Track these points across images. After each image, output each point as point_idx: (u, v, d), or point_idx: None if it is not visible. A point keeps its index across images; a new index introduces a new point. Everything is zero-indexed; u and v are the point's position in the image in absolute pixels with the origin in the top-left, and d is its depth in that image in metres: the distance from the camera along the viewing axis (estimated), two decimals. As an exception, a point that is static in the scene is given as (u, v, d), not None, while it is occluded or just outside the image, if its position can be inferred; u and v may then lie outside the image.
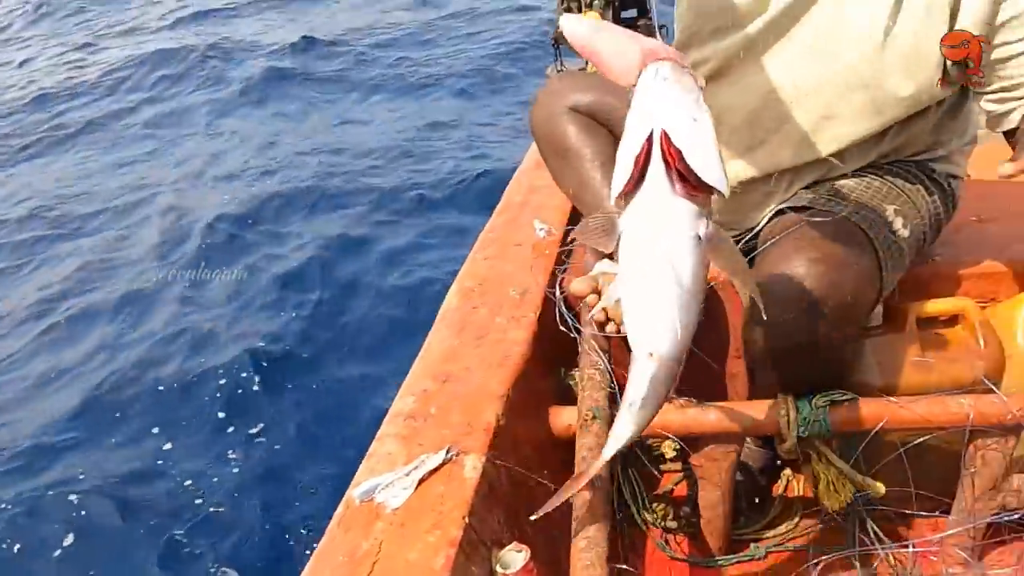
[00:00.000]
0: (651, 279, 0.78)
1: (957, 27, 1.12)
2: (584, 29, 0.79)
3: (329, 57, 6.35)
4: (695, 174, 0.74)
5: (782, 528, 1.37)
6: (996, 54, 1.12)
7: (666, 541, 1.34)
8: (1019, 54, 1.09)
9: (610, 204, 1.45)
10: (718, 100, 1.27)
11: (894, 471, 1.19)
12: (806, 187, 1.27)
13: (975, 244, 1.43)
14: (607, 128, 1.50)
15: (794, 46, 1.21)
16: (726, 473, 1.22)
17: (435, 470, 0.97)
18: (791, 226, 1.17)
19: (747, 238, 1.31)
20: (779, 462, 1.43)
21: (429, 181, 4.05)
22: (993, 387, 1.12)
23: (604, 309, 1.19)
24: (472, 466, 0.98)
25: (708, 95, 1.26)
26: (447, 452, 0.99)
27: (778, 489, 1.44)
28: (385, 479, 0.96)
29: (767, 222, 1.27)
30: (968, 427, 1.09)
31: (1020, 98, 1.11)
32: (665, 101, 0.76)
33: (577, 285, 1.20)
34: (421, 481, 0.96)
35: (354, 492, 0.95)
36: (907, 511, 1.25)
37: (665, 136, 0.75)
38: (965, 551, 1.21)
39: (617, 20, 2.78)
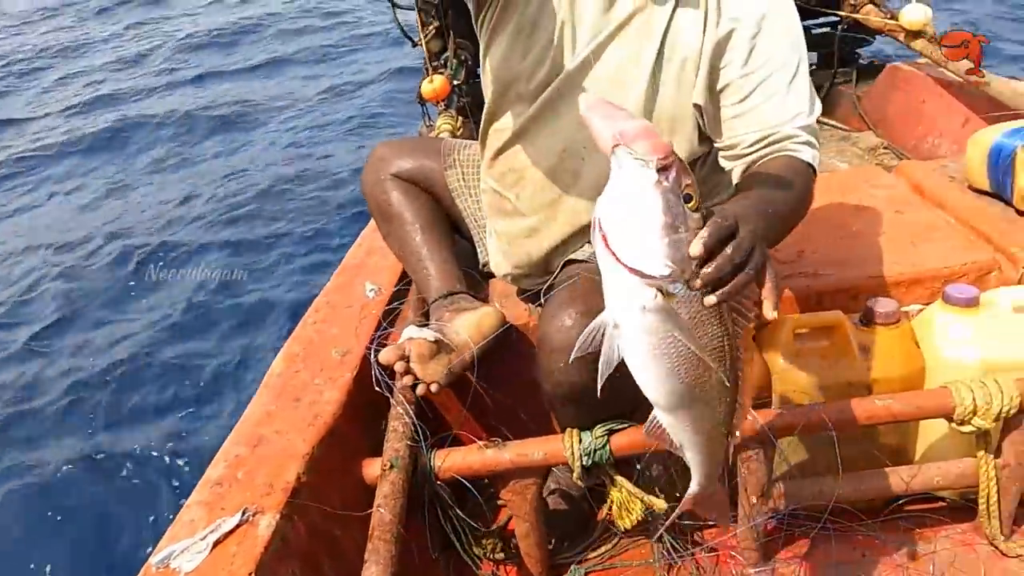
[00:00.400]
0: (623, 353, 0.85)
1: (695, 99, 1.29)
2: (581, 108, 0.85)
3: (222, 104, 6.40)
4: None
5: (602, 549, 1.49)
6: (722, 115, 1.28)
7: (494, 573, 1.44)
8: (732, 117, 1.25)
9: (430, 266, 1.58)
10: (520, 160, 1.41)
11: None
12: (574, 245, 1.42)
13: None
14: (428, 192, 1.63)
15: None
16: (531, 504, 1.33)
17: (230, 532, 1.05)
18: (572, 277, 1.31)
19: (544, 288, 1.45)
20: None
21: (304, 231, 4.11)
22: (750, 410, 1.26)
23: (411, 371, 1.31)
24: (266, 524, 1.07)
25: (512, 156, 1.41)
26: (243, 514, 1.07)
27: (603, 512, 1.56)
28: (181, 545, 1.03)
29: (558, 272, 1.41)
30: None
31: (736, 157, 1.26)
32: (609, 186, 0.80)
33: (384, 355, 1.31)
34: (217, 544, 1.04)
35: (152, 559, 1.03)
36: (701, 522, 1.39)
37: (599, 224, 0.79)
38: (754, 551, 1.35)
39: (470, 79, 2.96)
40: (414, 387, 1.33)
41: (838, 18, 3.23)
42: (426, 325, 1.40)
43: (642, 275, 0.78)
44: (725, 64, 1.25)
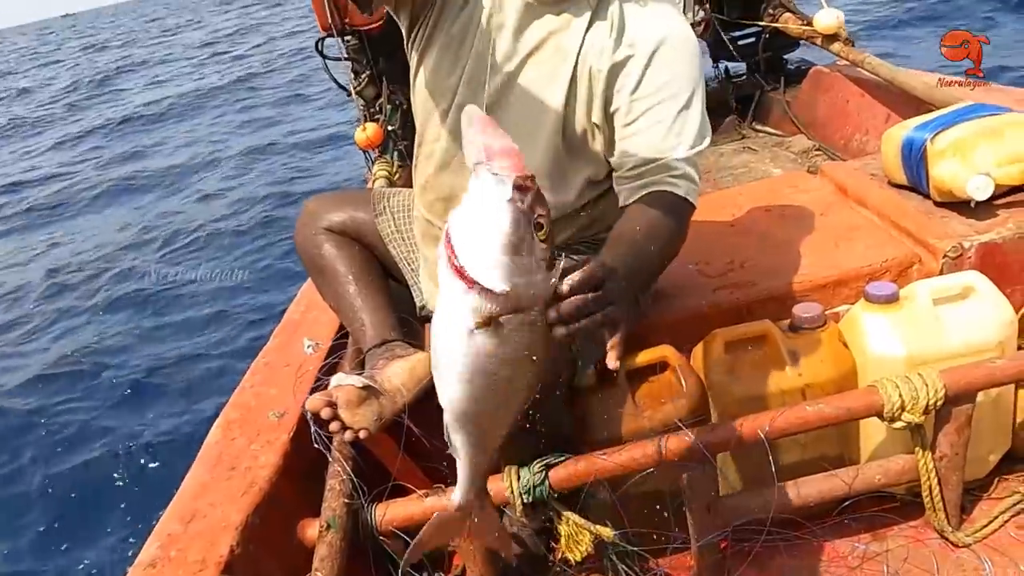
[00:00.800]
0: (435, 357, 0.83)
1: (593, 117, 1.32)
2: (463, 121, 0.83)
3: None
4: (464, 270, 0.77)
5: (560, 584, 1.47)
6: (613, 137, 1.31)
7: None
8: (619, 140, 1.29)
9: (364, 316, 1.57)
10: (448, 187, 1.43)
11: (649, 512, 1.33)
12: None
13: (686, 292, 1.62)
14: (360, 243, 1.63)
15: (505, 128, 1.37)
16: (481, 548, 1.31)
17: (161, 614, 1.03)
18: None
19: None
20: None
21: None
22: (681, 425, 1.26)
23: (340, 420, 1.30)
24: (199, 603, 1.04)
25: (441, 183, 1.43)
26: (174, 594, 1.05)
27: (559, 550, 1.55)
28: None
29: None
30: (668, 464, 1.24)
31: (620, 179, 1.31)
32: (465, 199, 0.81)
33: (310, 402, 1.30)
34: (148, 629, 1.01)
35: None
36: (657, 546, 1.38)
37: (447, 234, 0.80)
38: (709, 571, 1.34)
39: (405, 123, 2.98)
40: (355, 442, 1.31)
41: (760, 27, 3.32)
42: (358, 373, 1.40)
43: (482, 288, 0.77)
44: (619, 88, 1.29)
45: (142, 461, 2.80)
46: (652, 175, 1.25)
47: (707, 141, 1.30)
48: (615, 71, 1.29)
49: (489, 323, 0.78)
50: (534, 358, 0.82)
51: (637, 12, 1.31)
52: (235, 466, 1.32)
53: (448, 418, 0.87)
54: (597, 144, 1.35)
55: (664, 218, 1.23)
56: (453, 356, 0.81)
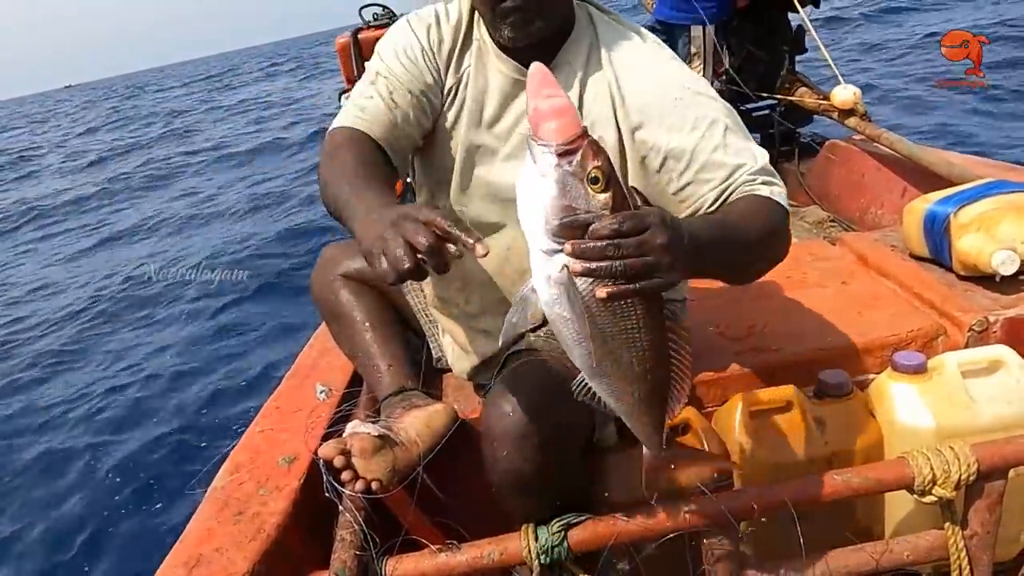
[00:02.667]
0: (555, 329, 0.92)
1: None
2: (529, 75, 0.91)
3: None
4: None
5: (573, 653, 1.41)
6: (671, 188, 1.24)
7: None
8: (687, 184, 1.21)
9: (380, 363, 1.55)
10: (464, 268, 1.41)
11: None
12: (535, 328, 1.41)
13: (707, 354, 1.60)
14: (377, 290, 1.62)
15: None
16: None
17: (162, 665, 0.98)
18: (513, 367, 1.30)
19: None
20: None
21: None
22: (705, 491, 1.23)
23: (353, 469, 1.26)
24: (201, 654, 0.99)
25: (456, 267, 1.39)
26: (176, 644, 1.00)
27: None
28: None
29: (501, 364, 1.39)
30: (691, 529, 1.20)
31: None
32: (524, 166, 0.87)
33: (324, 449, 1.26)
34: None
35: None
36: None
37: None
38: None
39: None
40: (367, 492, 1.27)
41: (776, 101, 3.38)
42: (374, 421, 1.36)
43: (539, 249, 0.85)
44: (651, 148, 1.24)
45: (144, 501, 2.73)
46: (735, 195, 1.17)
47: (765, 153, 1.22)
48: (630, 128, 1.25)
49: (568, 277, 0.84)
50: (628, 300, 0.86)
51: (628, 65, 1.27)
52: (242, 511, 1.28)
53: (588, 379, 0.94)
54: None
55: (751, 208, 1.13)
56: (560, 319, 0.88)
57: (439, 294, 1.49)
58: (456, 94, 1.33)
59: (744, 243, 1.09)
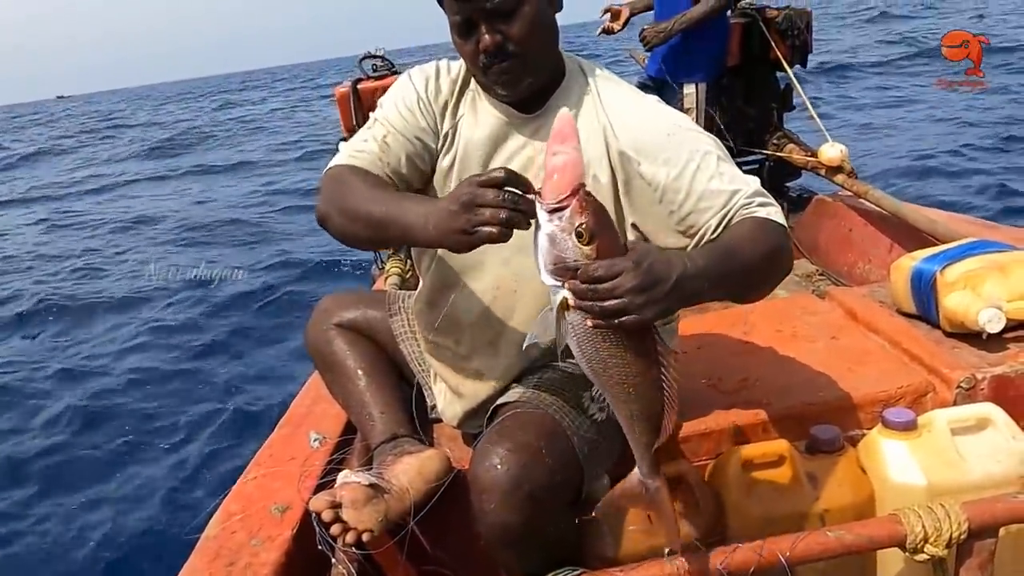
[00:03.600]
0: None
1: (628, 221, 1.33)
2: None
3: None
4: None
5: None
6: (674, 219, 1.28)
7: None
8: (688, 214, 1.25)
9: (373, 411, 1.55)
10: (454, 308, 1.43)
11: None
12: (519, 379, 1.42)
13: (700, 406, 1.61)
14: (372, 340, 1.63)
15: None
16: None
17: None
18: (501, 419, 1.31)
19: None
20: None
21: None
22: (700, 545, 1.23)
23: (343, 521, 1.25)
24: None
25: (446, 306, 1.43)
26: None
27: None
28: None
29: (490, 415, 1.40)
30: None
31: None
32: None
33: (315, 502, 1.26)
34: None
35: None
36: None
37: None
38: None
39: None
40: (358, 543, 1.27)
41: (765, 156, 3.46)
42: (366, 470, 1.36)
43: (545, 283, 1.01)
44: (645, 184, 1.28)
45: (132, 552, 2.68)
46: (735, 211, 1.22)
47: (755, 179, 1.28)
48: (624, 167, 1.29)
49: (566, 308, 1.00)
50: (604, 337, 1.01)
51: (620, 108, 1.32)
52: (234, 562, 1.27)
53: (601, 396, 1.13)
54: None
55: (755, 232, 1.18)
56: (564, 333, 1.03)
57: (431, 338, 1.51)
58: (451, 139, 1.38)
59: (746, 265, 1.15)
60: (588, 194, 0.98)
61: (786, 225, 1.24)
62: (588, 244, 0.97)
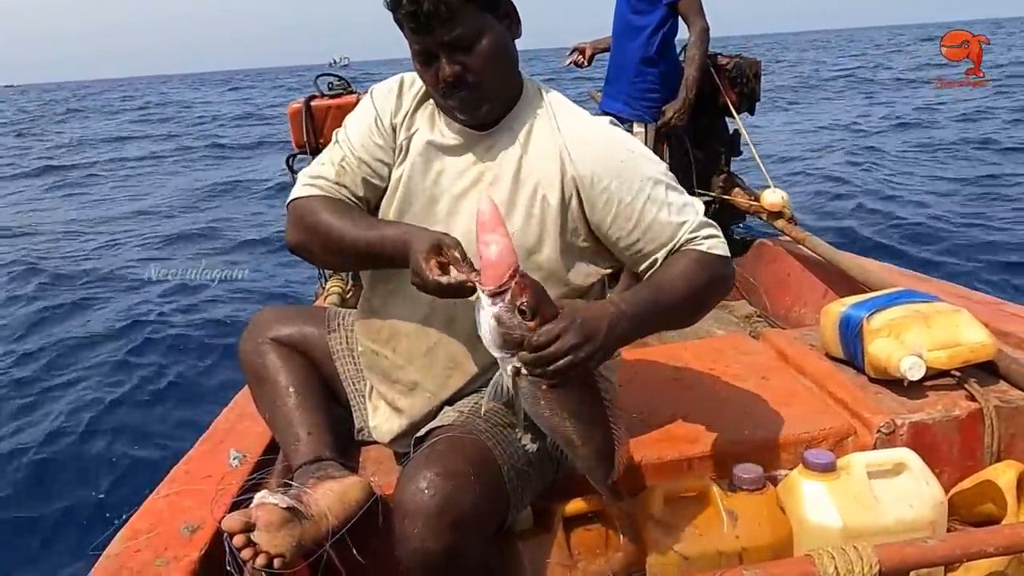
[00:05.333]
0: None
1: (566, 240, 1.36)
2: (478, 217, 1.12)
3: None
4: None
5: None
6: (622, 244, 1.34)
7: None
8: (636, 241, 1.32)
9: (300, 431, 1.51)
10: (393, 314, 1.43)
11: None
12: (451, 400, 1.41)
13: (630, 439, 1.61)
14: (306, 356, 1.60)
15: None
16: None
17: None
18: (432, 442, 1.29)
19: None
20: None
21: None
22: (616, 579, 1.22)
23: (254, 546, 1.21)
24: None
25: (386, 312, 1.45)
26: None
27: None
28: None
29: (421, 437, 1.38)
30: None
31: (650, 267, 1.34)
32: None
33: (227, 521, 1.21)
34: None
35: None
36: None
37: None
38: None
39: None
40: (268, 565, 1.22)
41: (711, 198, 3.54)
42: (285, 491, 1.32)
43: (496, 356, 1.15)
44: (597, 203, 1.32)
45: (25, 562, 2.53)
46: (681, 244, 1.31)
47: (701, 206, 1.37)
48: (582, 189, 1.32)
49: (518, 375, 1.14)
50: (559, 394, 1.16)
51: (578, 131, 1.35)
52: (135, 582, 1.21)
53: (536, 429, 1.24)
54: (561, 267, 1.36)
55: (695, 267, 1.29)
56: (519, 396, 1.17)
57: (369, 344, 1.50)
58: (405, 152, 1.40)
59: (679, 302, 1.28)
60: (523, 275, 1.11)
61: (727, 255, 1.34)
62: (532, 319, 1.10)
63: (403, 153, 1.40)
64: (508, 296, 1.09)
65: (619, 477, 1.24)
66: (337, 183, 1.40)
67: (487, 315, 1.11)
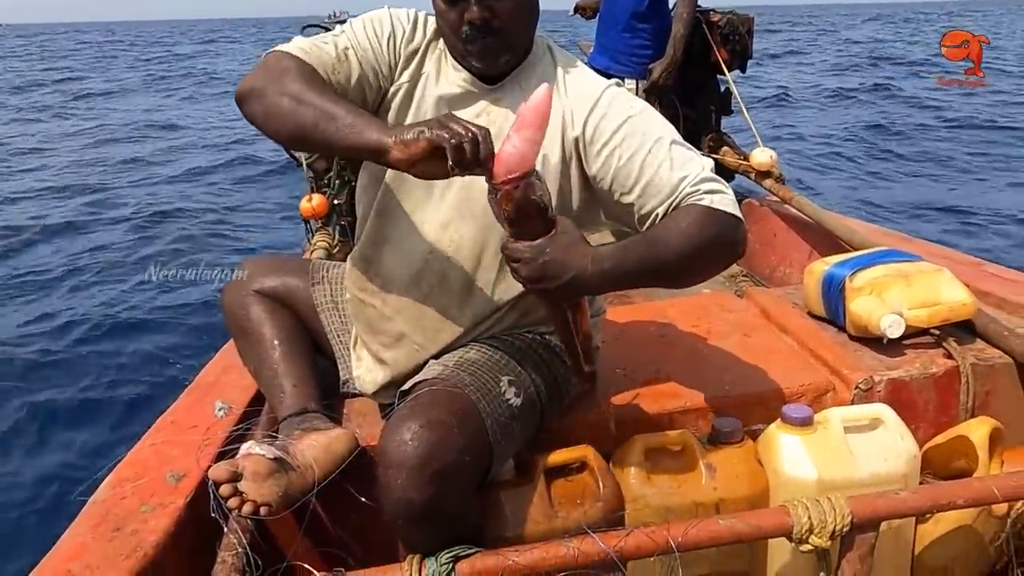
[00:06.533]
0: None
1: (573, 195, 1.36)
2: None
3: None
4: None
5: None
6: (623, 200, 1.30)
7: None
8: (638, 197, 1.27)
9: (285, 383, 1.52)
10: (386, 264, 1.43)
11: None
12: (438, 355, 1.42)
13: (612, 395, 1.63)
14: (290, 309, 1.60)
15: (446, 206, 1.38)
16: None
17: None
18: (416, 395, 1.30)
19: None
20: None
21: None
22: (588, 531, 1.23)
23: (241, 495, 1.22)
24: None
25: (379, 261, 1.44)
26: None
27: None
28: None
29: (407, 390, 1.39)
30: (578, 567, 1.21)
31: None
32: None
33: (215, 471, 1.22)
34: None
35: None
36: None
37: None
38: None
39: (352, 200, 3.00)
40: (255, 513, 1.24)
41: (700, 157, 3.52)
42: (271, 442, 1.33)
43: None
44: (600, 161, 1.30)
45: (14, 510, 2.56)
46: (682, 199, 1.24)
47: (709, 162, 1.29)
48: (582, 149, 1.32)
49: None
50: None
51: (582, 89, 1.35)
52: (120, 527, 1.23)
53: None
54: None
55: (690, 222, 1.21)
56: None
57: (357, 292, 1.50)
58: (408, 92, 1.37)
59: (675, 255, 1.21)
60: (528, 184, 1.10)
61: (733, 212, 1.24)
62: (510, 227, 1.15)
63: (404, 94, 1.36)
64: (498, 197, 1.11)
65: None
66: (334, 66, 1.30)
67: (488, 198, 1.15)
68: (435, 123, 1.09)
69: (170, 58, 30.63)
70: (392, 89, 1.38)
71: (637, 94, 3.17)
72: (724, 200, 1.24)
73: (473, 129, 1.08)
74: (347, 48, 1.32)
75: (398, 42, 1.36)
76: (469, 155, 1.07)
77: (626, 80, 3.20)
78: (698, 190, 1.23)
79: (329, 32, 1.39)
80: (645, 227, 1.29)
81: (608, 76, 3.22)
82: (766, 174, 3.04)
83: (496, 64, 1.32)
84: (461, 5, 1.25)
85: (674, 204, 1.24)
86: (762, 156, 3.03)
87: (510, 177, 1.09)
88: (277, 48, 1.32)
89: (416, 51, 1.38)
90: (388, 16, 1.38)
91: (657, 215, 1.26)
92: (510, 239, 1.17)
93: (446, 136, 1.07)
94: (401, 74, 1.38)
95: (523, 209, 1.12)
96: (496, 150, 1.10)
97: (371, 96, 1.37)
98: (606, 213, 1.40)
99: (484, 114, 1.36)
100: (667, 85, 3.20)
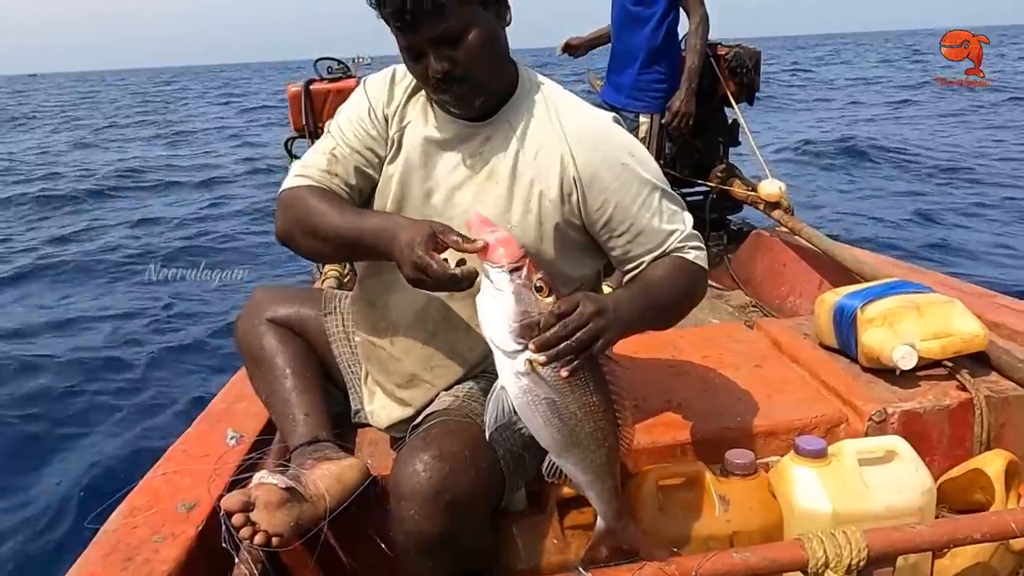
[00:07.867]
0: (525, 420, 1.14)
1: (556, 220, 1.35)
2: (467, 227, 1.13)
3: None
4: None
5: None
6: (612, 244, 1.37)
7: None
8: (627, 243, 1.35)
9: (297, 412, 1.52)
10: (391, 306, 1.43)
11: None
12: (451, 387, 1.42)
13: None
14: (303, 338, 1.60)
15: None
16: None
17: None
18: (428, 426, 1.30)
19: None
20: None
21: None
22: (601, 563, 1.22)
23: (253, 525, 1.22)
24: None
25: (384, 305, 1.45)
26: None
27: None
28: None
29: (420, 421, 1.39)
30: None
31: (634, 269, 1.38)
32: (482, 287, 1.12)
33: (227, 500, 1.22)
34: None
35: None
36: None
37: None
38: None
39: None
40: (267, 544, 1.24)
41: (709, 188, 3.54)
42: (283, 471, 1.33)
43: (504, 352, 1.07)
44: (593, 202, 1.33)
45: (25, 537, 2.54)
46: (669, 252, 1.35)
47: (690, 217, 1.41)
48: (580, 189, 1.32)
49: (532, 369, 1.06)
50: (579, 384, 1.10)
51: (580, 125, 1.35)
52: (132, 557, 1.23)
53: (555, 458, 1.13)
54: (558, 260, 1.36)
55: (679, 273, 1.34)
56: (529, 407, 1.09)
57: (368, 335, 1.50)
58: (399, 144, 1.39)
59: (665, 301, 1.33)
60: (529, 257, 1.11)
61: (706, 268, 1.40)
62: (549, 296, 1.09)
63: (395, 147, 1.38)
64: (524, 272, 1.06)
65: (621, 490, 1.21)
66: (328, 172, 1.37)
67: (504, 294, 1.06)
68: (411, 267, 1.16)
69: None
70: (388, 148, 1.40)
71: (652, 128, 3.20)
72: (702, 257, 1.38)
73: (443, 270, 1.12)
74: (334, 148, 1.39)
75: (378, 111, 1.39)
76: (454, 287, 1.13)
77: (641, 115, 3.22)
78: (685, 245, 1.36)
79: (320, 139, 1.44)
80: (626, 268, 1.39)
81: (622, 112, 3.29)
82: (775, 205, 3.05)
83: (472, 107, 1.32)
84: (423, 61, 1.26)
85: (661, 255, 1.35)
86: (770, 187, 3.05)
87: (524, 251, 1.10)
88: (285, 186, 1.40)
89: (398, 107, 1.39)
90: (362, 93, 1.41)
91: (643, 262, 1.36)
92: (550, 306, 1.09)
93: (427, 281, 1.15)
94: (391, 129, 1.39)
95: (547, 274, 1.11)
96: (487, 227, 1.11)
97: (376, 171, 1.40)
98: (599, 248, 1.42)
99: (474, 155, 1.36)
100: (689, 114, 3.19)
